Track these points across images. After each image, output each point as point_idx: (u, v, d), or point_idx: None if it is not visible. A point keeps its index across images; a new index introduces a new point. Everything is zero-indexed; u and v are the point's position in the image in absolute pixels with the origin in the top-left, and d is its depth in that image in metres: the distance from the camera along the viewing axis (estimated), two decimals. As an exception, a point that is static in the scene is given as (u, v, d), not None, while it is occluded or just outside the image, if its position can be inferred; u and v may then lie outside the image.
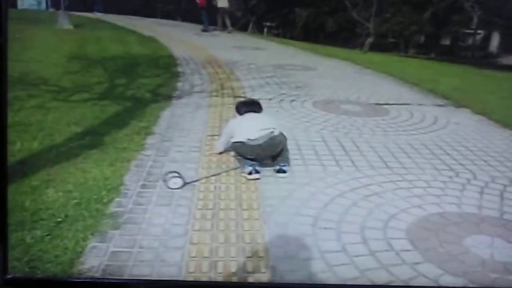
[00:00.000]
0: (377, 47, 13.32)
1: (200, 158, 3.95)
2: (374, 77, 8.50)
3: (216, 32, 13.56)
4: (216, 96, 6.19)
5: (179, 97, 6.02)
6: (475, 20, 13.43)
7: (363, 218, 3.02)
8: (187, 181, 3.41)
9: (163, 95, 6.03)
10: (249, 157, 3.69)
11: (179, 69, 7.91)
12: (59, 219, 2.78)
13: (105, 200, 3.07)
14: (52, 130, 4.39)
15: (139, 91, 6.19)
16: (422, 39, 15.21)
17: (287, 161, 3.80)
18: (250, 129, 3.75)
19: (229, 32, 13.45)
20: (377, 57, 11.96)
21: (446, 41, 15.15)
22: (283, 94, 6.43)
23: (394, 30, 14.27)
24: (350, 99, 6.43)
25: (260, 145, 3.68)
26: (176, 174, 3.39)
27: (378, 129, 5.04)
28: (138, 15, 16.46)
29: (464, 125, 5.43)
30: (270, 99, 6.08)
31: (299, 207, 3.14)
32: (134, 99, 5.78)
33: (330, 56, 10.77)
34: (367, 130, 4.97)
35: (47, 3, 15.55)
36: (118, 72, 7.43)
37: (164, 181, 3.38)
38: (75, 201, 3.02)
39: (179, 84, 6.75)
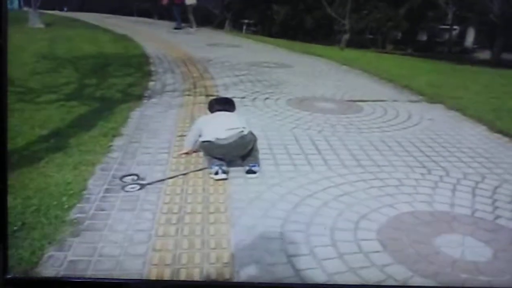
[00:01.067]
0: (355, 44, 13.33)
1: (169, 160, 3.84)
2: (350, 74, 8.47)
3: (191, 30, 13.42)
4: (188, 95, 6.08)
5: (150, 96, 5.89)
6: (450, 15, 13.54)
7: (334, 219, 2.95)
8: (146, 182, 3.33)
9: (133, 95, 5.89)
10: (218, 156, 3.59)
11: (152, 68, 7.77)
12: (15, 228, 2.64)
13: (66, 206, 2.94)
14: (15, 133, 4.22)
15: (109, 91, 6.04)
16: (399, 35, 15.30)
17: (257, 161, 3.70)
18: (219, 128, 3.66)
19: (192, 28, 13.47)
20: (354, 53, 11.94)
21: (423, 37, 15.26)
22: (257, 92, 6.34)
23: (372, 26, 14.34)
24: (325, 96, 6.37)
25: (229, 144, 3.59)
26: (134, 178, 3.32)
27: (351, 126, 4.99)
28: (115, 14, 16.23)
29: (438, 121, 5.41)
30: (243, 97, 5.98)
31: (268, 209, 3.05)
32: (104, 99, 5.63)
33: (307, 53, 10.72)
34: (341, 128, 4.91)
35: (19, 2, 15.20)
36: (89, 71, 7.25)
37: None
38: (34, 207, 2.88)
39: (151, 84, 6.62)
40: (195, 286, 2.38)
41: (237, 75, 7.44)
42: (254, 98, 5.98)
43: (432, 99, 6.46)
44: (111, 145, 4.06)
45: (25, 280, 1.99)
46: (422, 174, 3.78)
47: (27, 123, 4.52)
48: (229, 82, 6.86)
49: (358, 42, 13.76)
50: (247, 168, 3.63)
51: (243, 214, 2.99)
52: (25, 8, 14.27)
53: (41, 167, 3.52)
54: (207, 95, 5.97)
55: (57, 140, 4.12)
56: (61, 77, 6.74)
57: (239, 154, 3.66)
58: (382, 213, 3.06)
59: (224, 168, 3.52)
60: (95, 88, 6.13)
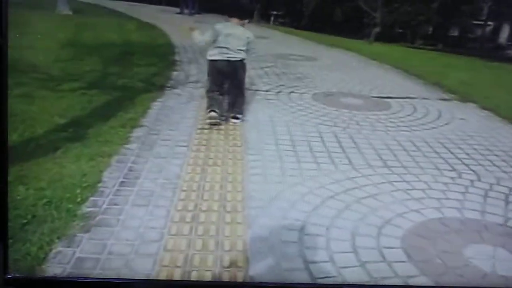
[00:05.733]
0: (384, 38, 12.99)
1: (187, 154, 3.73)
2: (378, 69, 8.23)
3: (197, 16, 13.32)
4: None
5: (173, 87, 5.78)
6: (486, 10, 13.08)
7: (356, 223, 2.79)
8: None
9: (156, 85, 5.80)
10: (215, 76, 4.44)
11: (176, 57, 7.66)
12: (25, 221, 2.57)
13: (79, 199, 2.86)
14: (34, 121, 4.17)
15: (131, 80, 5.96)
16: (429, 30, 14.87)
17: (240, 110, 4.57)
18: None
19: (198, 13, 13.30)
20: (383, 48, 11.65)
21: (454, 32, 14.79)
22: (282, 85, 6.18)
23: (401, 20, 13.95)
24: (351, 91, 6.17)
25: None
26: None
27: (378, 124, 4.79)
28: (143, 2, 16.19)
29: (469, 121, 5.17)
30: (268, 91, 5.84)
31: (287, 210, 2.91)
32: (126, 89, 5.55)
33: (335, 46, 10.49)
34: (367, 125, 4.72)
35: (51, -12, 15.27)
36: (112, 60, 7.19)
37: None
38: (46, 200, 2.80)
39: (174, 74, 6.51)
40: (198, 286, 2.34)
41: (262, 67, 7.28)
42: (279, 92, 5.82)
43: (464, 98, 6.19)
44: (129, 136, 3.97)
45: (25, 280, 1.95)
46: (451, 178, 3.58)
47: (47, 112, 4.46)
48: (254, 74, 6.71)
49: (387, 36, 13.40)
50: (232, 114, 4.51)
51: (261, 214, 2.85)
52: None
53: (57, 157, 3.44)
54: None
55: (76, 130, 4.04)
56: (84, 65, 6.69)
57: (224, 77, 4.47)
58: (407, 218, 2.89)
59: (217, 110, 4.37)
60: (117, 77, 6.06)
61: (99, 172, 3.25)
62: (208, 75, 4.54)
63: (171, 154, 3.68)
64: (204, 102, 4.99)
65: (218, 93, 4.49)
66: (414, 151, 4.10)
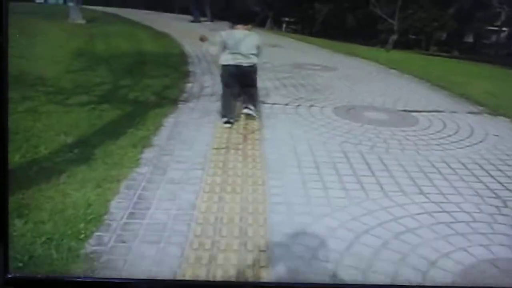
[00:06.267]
0: (398, 44, 12.62)
1: (203, 178, 3.41)
2: (400, 78, 7.85)
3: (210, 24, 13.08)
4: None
5: (187, 100, 5.48)
6: (503, 17, 12.67)
7: (396, 266, 2.45)
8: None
9: (169, 98, 5.49)
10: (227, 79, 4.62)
11: (190, 68, 7.36)
12: (20, 264, 2.26)
13: (82, 236, 2.55)
14: (38, 140, 3.89)
15: (143, 93, 5.66)
16: (443, 36, 14.47)
17: (253, 103, 4.78)
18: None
19: (211, 21, 13.05)
20: (400, 55, 11.27)
21: (469, 38, 14.37)
22: (301, 98, 5.84)
23: (416, 26, 13.57)
24: (374, 104, 5.81)
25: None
26: None
27: (407, 142, 4.43)
28: (157, 10, 15.99)
29: (504, 138, 4.78)
30: (286, 104, 5.51)
31: (316, 249, 2.57)
32: (137, 102, 5.26)
33: (352, 54, 10.13)
34: (395, 144, 4.36)
35: (66, -3, 15.11)
36: (124, 71, 6.92)
37: None
38: (46, 237, 2.50)
39: (188, 86, 6.21)
40: (196, 286, 2.31)
41: (279, 78, 6.96)
42: (298, 105, 5.49)
43: (494, 111, 5.80)
44: (139, 158, 3.66)
45: (25, 280, 1.91)
46: (496, 206, 3.21)
47: (53, 129, 4.18)
48: (271, 86, 6.39)
49: (400, 42, 13.04)
50: (245, 108, 4.75)
51: (285, 255, 2.51)
52: (70, 4, 14.16)
53: (60, 183, 3.15)
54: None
55: (82, 150, 3.75)
56: (95, 76, 6.42)
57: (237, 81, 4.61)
58: (454, 259, 2.54)
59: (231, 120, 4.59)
60: (129, 90, 5.77)
61: (106, 201, 2.95)
62: (222, 79, 4.76)
63: (185, 179, 3.36)
64: (219, 118, 4.71)
65: (231, 95, 4.69)
66: (450, 174, 3.73)
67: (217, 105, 5.30)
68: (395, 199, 3.22)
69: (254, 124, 4.73)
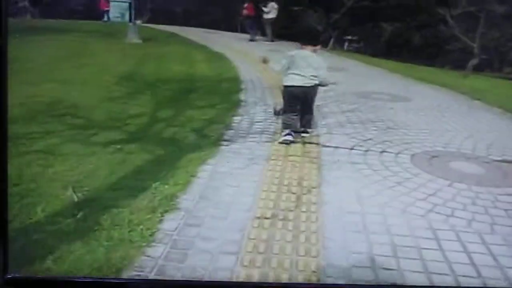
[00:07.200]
0: (464, 64, 11.24)
1: (235, 268, 2.46)
2: (487, 113, 6.55)
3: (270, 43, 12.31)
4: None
5: (231, 140, 4.58)
6: None
7: None
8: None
9: (210, 137, 4.63)
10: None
11: (242, 96, 6.50)
12: None
13: None
14: (38, 198, 3.10)
15: (182, 129, 4.84)
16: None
17: (309, 125, 4.82)
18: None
19: (271, 41, 12.59)
20: (480, 82, 9.89)
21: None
22: (370, 140, 4.79)
23: (488, 46, 12.17)
24: (463, 150, 4.66)
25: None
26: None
27: (517, 213, 3.29)
28: (219, 29, 15.47)
29: None
30: (352, 149, 4.49)
31: None
32: (172, 143, 4.43)
33: (425, 80, 8.88)
34: (503, 216, 3.23)
35: (130, 15, 14.84)
36: (168, 99, 6.17)
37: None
38: None
39: (236, 119, 5.32)
40: (196, 286, 2.28)
41: (343, 111, 5.95)
42: (367, 150, 4.46)
43: None
44: (156, 231, 2.77)
45: (25, 280, 1.86)
46: None
47: (63, 179, 3.41)
48: (334, 123, 5.39)
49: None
50: (302, 129, 4.73)
51: None
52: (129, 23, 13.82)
53: (44, 268, 2.31)
54: (304, 143, 4.57)
55: (87, 214, 2.92)
56: (134, 105, 5.70)
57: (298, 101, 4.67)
58: None
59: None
60: (166, 124, 4.98)
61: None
62: (283, 99, 4.77)
63: (212, 271, 2.43)
64: (269, 168, 3.78)
65: (293, 114, 4.65)
66: None
67: (266, 147, 4.40)
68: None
69: (312, 175, 3.77)
